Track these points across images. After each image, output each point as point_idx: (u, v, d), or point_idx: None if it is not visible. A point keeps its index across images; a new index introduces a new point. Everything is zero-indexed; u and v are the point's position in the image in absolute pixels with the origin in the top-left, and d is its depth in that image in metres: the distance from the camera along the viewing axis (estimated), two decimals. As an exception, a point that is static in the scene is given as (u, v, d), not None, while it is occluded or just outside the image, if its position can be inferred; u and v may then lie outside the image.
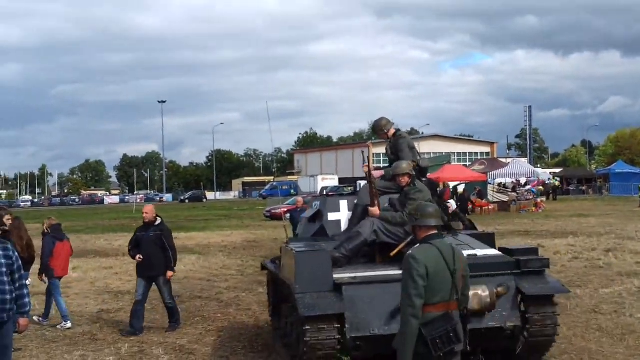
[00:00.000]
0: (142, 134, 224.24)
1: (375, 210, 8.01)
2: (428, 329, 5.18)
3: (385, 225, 7.85)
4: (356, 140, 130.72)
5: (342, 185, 67.21)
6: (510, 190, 45.07)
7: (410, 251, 5.49)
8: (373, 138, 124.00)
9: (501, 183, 50.18)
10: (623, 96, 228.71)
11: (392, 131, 9.01)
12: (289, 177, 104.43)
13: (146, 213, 11.00)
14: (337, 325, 6.86)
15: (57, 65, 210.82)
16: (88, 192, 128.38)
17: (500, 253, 7.88)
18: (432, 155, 78.86)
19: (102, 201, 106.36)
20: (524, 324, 7.26)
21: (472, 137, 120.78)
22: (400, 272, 6.05)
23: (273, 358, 8.95)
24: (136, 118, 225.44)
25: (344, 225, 8.70)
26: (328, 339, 6.84)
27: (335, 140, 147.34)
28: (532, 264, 7.50)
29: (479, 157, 77.63)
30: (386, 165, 9.26)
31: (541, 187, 51.01)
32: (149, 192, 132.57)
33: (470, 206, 37.68)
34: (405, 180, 8.02)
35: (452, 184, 40.62)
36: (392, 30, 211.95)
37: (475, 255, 7.62)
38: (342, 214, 8.79)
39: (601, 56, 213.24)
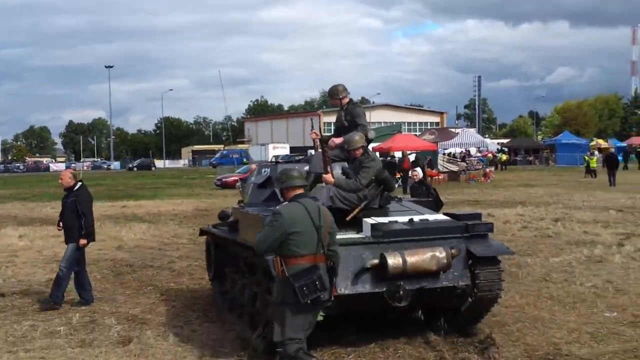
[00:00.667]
0: (89, 100, 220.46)
1: (329, 177, 8.20)
2: (295, 279, 5.80)
3: (339, 192, 8.07)
4: (307, 109, 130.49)
5: (293, 154, 67.23)
6: (459, 160, 45.59)
7: (277, 207, 6.23)
8: (324, 107, 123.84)
9: (451, 153, 50.73)
10: (571, 67, 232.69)
11: (347, 99, 9.19)
12: (239, 145, 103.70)
13: (61, 179, 10.67)
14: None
15: (3, 28, 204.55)
16: (33, 159, 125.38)
17: (449, 218, 8.31)
18: (382, 125, 79.22)
19: (47, 168, 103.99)
20: (473, 283, 7.65)
21: (422, 107, 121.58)
22: (358, 235, 7.46)
23: (227, 327, 8.87)
24: (83, 84, 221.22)
25: None
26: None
27: (286, 108, 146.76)
28: (478, 228, 7.93)
29: (429, 127, 78.26)
30: (329, 134, 9.46)
31: (490, 155, 51.76)
32: (95, 159, 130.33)
33: (421, 175, 37.90)
34: (359, 152, 8.27)
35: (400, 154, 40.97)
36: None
37: (427, 219, 8.11)
38: None
39: (550, 26, 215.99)
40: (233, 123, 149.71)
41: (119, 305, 10.28)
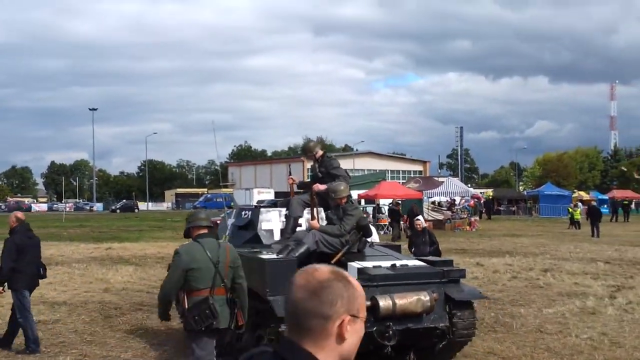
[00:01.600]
0: (72, 141, 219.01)
1: (315, 223, 8.97)
2: (190, 310, 6.65)
3: (324, 237, 8.73)
4: (290, 155, 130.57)
5: (278, 200, 67.05)
6: (445, 209, 45.69)
7: (177, 248, 7.04)
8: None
9: (435, 201, 50.84)
10: (549, 121, 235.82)
11: (320, 153, 9.94)
12: (223, 189, 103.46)
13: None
14: None
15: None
16: (14, 198, 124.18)
17: (426, 264, 8.91)
18: (366, 172, 79.49)
19: (29, 208, 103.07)
20: (451, 324, 8.32)
21: (405, 155, 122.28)
22: None
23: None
24: (66, 126, 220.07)
25: (276, 235, 9.69)
26: None
27: (269, 154, 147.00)
28: (453, 274, 8.62)
29: (412, 175, 78.59)
30: (309, 180, 10.23)
31: (472, 203, 51.91)
32: (77, 200, 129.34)
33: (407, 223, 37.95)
34: (344, 200, 9.05)
35: (387, 201, 41.02)
36: (328, 48, 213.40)
37: (407, 265, 8.69)
38: (273, 224, 9.85)
39: (530, 81, 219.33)
40: (217, 167, 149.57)
41: (109, 349, 10.09)
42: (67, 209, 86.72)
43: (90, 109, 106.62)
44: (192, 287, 6.69)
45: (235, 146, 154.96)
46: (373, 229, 12.91)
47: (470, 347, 10.13)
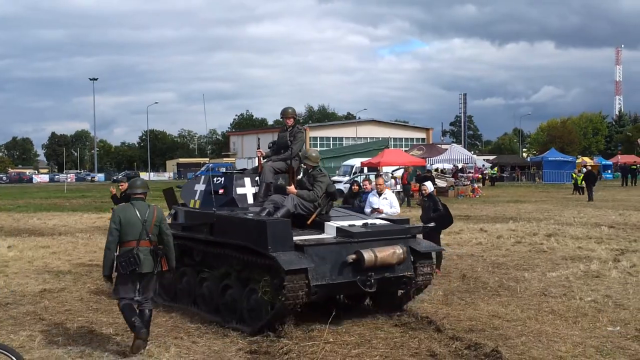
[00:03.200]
0: (73, 112, 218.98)
1: (293, 189, 9.99)
2: (118, 257, 8.13)
3: (301, 201, 9.82)
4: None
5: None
6: (450, 176, 45.67)
7: (114, 207, 9.00)
8: (310, 122, 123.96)
9: (438, 168, 50.82)
10: (555, 86, 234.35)
11: (291, 122, 10.97)
12: (224, 159, 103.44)
13: None
14: (306, 276, 8.55)
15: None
16: (16, 170, 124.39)
17: (390, 222, 10.13)
18: (369, 140, 79.36)
19: (30, 180, 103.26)
20: (415, 272, 9.58)
21: (408, 123, 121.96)
22: (328, 236, 9.38)
23: (229, 338, 8.75)
24: (67, 96, 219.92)
25: (249, 199, 10.66)
26: (301, 287, 8.51)
27: (271, 123, 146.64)
28: (413, 230, 9.99)
29: (415, 143, 78.40)
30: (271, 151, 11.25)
31: (479, 176, 51.84)
32: (79, 171, 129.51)
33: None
34: (312, 166, 10.19)
35: (390, 169, 41.00)
36: (332, 15, 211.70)
37: (375, 224, 9.88)
38: (247, 189, 10.77)
39: (536, 47, 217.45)
40: (218, 137, 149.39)
41: (116, 316, 10.06)
42: (69, 179, 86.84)
43: (90, 79, 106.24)
44: (122, 239, 8.22)
45: (236, 115, 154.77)
46: (393, 197, 13.25)
47: (475, 310, 10.19)
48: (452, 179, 43.88)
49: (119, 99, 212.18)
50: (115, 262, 8.17)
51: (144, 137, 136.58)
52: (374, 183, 13.83)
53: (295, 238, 8.88)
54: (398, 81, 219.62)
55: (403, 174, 36.23)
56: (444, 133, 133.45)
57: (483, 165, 61.58)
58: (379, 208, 12.53)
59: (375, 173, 32.67)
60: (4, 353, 5.77)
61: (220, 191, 10.69)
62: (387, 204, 12.83)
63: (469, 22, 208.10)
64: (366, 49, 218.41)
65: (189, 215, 10.93)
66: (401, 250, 9.15)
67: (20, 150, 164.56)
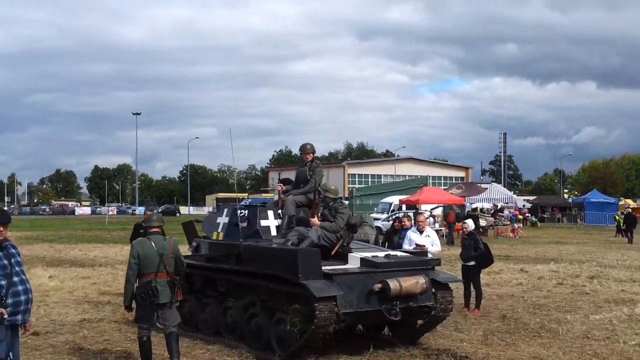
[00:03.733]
0: (116, 146, 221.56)
1: (316, 220, 10.26)
2: (138, 289, 8.55)
3: (324, 232, 10.06)
4: (331, 160, 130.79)
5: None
6: (489, 215, 45.22)
7: (133, 242, 9.29)
8: (348, 159, 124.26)
9: (477, 207, 50.38)
10: (597, 127, 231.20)
11: (311, 157, 11.34)
12: (263, 194, 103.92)
13: None
14: (335, 304, 8.82)
15: (35, 73, 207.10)
16: (59, 202, 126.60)
17: (410, 254, 10.50)
18: (407, 178, 79.18)
19: (73, 212, 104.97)
20: (435, 302, 9.80)
21: (447, 161, 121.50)
22: (352, 266, 9.64)
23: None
24: (111, 130, 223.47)
25: (272, 231, 10.88)
26: (330, 315, 8.77)
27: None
28: (433, 262, 10.31)
29: (454, 182, 77.96)
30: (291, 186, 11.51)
31: (520, 216, 51.21)
32: (120, 204, 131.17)
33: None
34: (332, 199, 10.49)
35: (429, 207, 40.76)
36: (373, 53, 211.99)
37: (396, 255, 10.17)
38: (270, 221, 11.03)
39: (577, 86, 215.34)
40: (257, 172, 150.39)
41: (154, 346, 10.12)
42: (110, 212, 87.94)
43: (133, 114, 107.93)
44: (141, 271, 8.60)
45: (275, 151, 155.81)
46: (434, 234, 13.27)
47: (515, 351, 10.01)
48: (492, 219, 43.43)
49: (161, 134, 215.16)
50: (134, 294, 8.61)
51: (184, 171, 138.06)
52: (412, 220, 13.74)
53: (324, 268, 9.14)
54: (437, 119, 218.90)
55: (449, 212, 35.97)
56: (483, 172, 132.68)
57: (524, 206, 60.90)
58: (423, 245, 12.43)
59: (414, 211, 32.59)
60: None
61: (244, 224, 10.92)
62: (429, 241, 12.78)
63: (509, 60, 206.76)
64: (405, 86, 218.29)
65: (214, 246, 11.17)
66: (424, 280, 9.49)
67: (64, 183, 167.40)
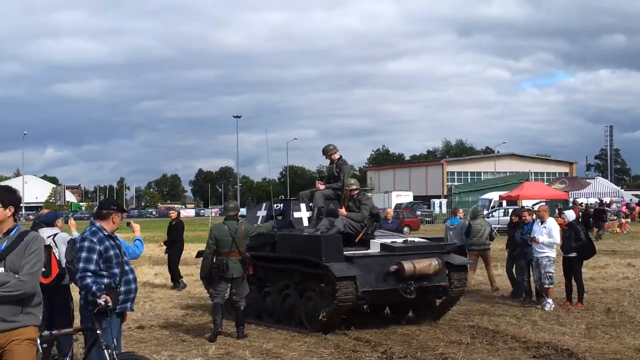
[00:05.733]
0: (219, 149, 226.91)
1: (343, 211, 11.36)
2: (214, 264, 10.35)
3: (349, 221, 11.16)
4: (429, 158, 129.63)
5: (416, 202, 66.56)
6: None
7: (211, 226, 11.24)
8: (447, 156, 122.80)
9: (582, 202, 48.75)
10: None
11: (337, 156, 12.36)
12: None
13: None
14: (354, 283, 10.02)
15: (141, 81, 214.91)
16: (164, 205, 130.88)
17: (426, 240, 11.82)
18: (508, 174, 77.43)
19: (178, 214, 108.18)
20: (449, 283, 10.91)
21: (550, 157, 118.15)
22: (371, 251, 10.86)
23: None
24: (214, 134, 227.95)
25: (304, 222, 12.01)
26: (350, 293, 9.99)
27: (407, 158, 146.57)
28: (447, 247, 11.55)
29: (557, 177, 75.70)
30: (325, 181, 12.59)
31: (626, 211, 49.25)
32: (222, 206, 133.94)
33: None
34: (355, 192, 11.56)
35: (530, 202, 39.73)
36: (472, 49, 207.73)
37: (414, 240, 11.50)
38: (302, 213, 12.20)
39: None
40: (355, 172, 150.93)
41: (252, 339, 10.38)
42: (214, 214, 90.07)
43: (234, 117, 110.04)
44: (218, 250, 10.38)
45: (373, 151, 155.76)
46: (554, 225, 13.01)
47: (620, 344, 9.70)
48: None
49: (261, 137, 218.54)
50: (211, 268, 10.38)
51: (284, 172, 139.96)
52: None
53: (345, 252, 10.39)
54: (540, 114, 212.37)
55: (573, 209, 34.95)
56: (588, 167, 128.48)
57: (631, 200, 58.52)
58: (534, 237, 12.71)
59: (520, 206, 31.89)
60: None
61: (280, 216, 12.32)
62: (546, 232, 12.75)
63: (617, 52, 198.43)
64: (507, 82, 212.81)
65: (253, 237, 11.80)
66: (437, 262, 10.52)
67: (170, 187, 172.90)
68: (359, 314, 11.64)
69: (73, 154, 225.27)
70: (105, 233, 6.31)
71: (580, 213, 34.07)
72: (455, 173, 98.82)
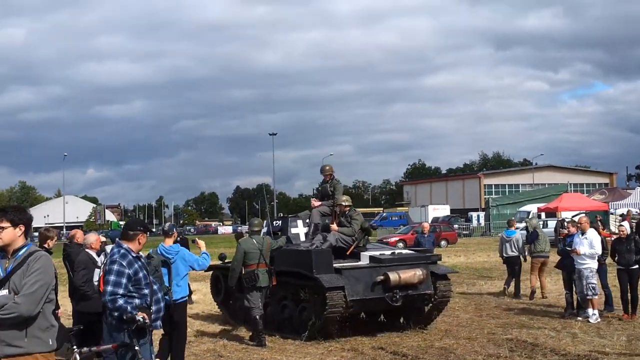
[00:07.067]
0: (257, 166, 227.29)
1: (335, 226, 12.11)
2: (244, 275, 11.10)
3: (341, 236, 11.92)
4: (466, 172, 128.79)
5: (453, 215, 66.07)
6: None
7: (239, 240, 11.91)
8: (484, 169, 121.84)
9: (622, 213, 47.95)
10: None
11: (331, 176, 13.16)
12: (397, 208, 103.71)
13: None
14: (343, 293, 10.77)
15: (181, 101, 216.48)
16: (202, 222, 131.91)
17: (414, 252, 12.75)
18: (547, 186, 76.55)
19: (215, 231, 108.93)
20: (435, 291, 11.74)
21: (589, 167, 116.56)
22: (361, 263, 11.62)
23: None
24: (252, 151, 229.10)
25: (301, 237, 12.75)
26: (339, 302, 10.75)
27: (443, 171, 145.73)
28: (433, 258, 12.33)
29: (597, 188, 74.64)
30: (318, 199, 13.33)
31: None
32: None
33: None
34: (347, 208, 12.31)
35: (570, 214, 39.22)
36: (510, 61, 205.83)
37: (402, 252, 12.55)
38: (299, 229, 12.98)
39: None
40: (391, 187, 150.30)
41: (289, 354, 10.41)
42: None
43: (270, 134, 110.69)
44: (246, 263, 11.16)
45: (409, 165, 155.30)
46: (595, 236, 12.97)
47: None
48: None
49: (299, 153, 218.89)
50: (240, 279, 11.16)
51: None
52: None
53: (336, 265, 11.21)
54: (579, 125, 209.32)
55: (624, 219, 34.45)
56: (629, 177, 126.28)
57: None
58: (576, 249, 12.72)
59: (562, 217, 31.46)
60: None
61: (279, 232, 12.93)
62: (587, 243, 12.69)
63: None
64: (545, 94, 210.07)
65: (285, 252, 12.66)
66: (421, 272, 11.30)
67: (208, 204, 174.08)
68: (390, 327, 12.33)
69: (113, 173, 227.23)
70: (133, 255, 6.31)
71: (634, 223, 33.46)
72: (493, 186, 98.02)
